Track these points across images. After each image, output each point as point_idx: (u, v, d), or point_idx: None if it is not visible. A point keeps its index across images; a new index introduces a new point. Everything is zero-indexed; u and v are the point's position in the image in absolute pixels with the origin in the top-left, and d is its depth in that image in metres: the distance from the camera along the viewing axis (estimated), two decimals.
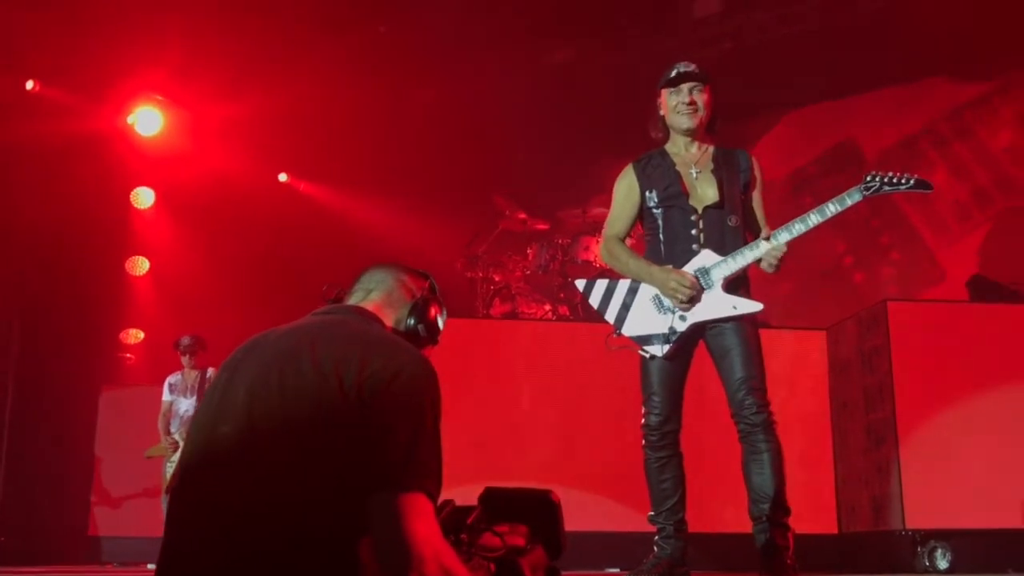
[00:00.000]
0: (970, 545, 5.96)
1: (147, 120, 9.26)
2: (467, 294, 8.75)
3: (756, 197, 4.20)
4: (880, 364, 6.42)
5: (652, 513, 4.08)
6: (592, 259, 8.34)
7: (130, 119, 9.21)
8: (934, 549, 5.90)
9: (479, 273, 8.83)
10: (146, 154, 9.42)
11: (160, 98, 9.31)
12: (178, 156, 9.44)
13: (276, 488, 1.88)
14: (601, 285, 4.22)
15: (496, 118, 9.65)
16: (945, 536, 5.94)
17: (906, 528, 6.00)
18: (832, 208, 3.92)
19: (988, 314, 6.68)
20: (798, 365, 6.90)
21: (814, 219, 3.93)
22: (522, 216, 9.09)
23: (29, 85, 8.59)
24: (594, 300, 4.23)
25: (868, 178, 3.94)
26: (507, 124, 9.61)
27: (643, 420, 4.07)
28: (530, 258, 8.83)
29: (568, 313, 8.49)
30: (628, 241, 4.29)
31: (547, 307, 8.61)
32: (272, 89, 8.97)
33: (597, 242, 8.42)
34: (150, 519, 7.63)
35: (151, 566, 7.49)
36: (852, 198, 3.93)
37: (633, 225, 4.27)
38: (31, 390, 8.47)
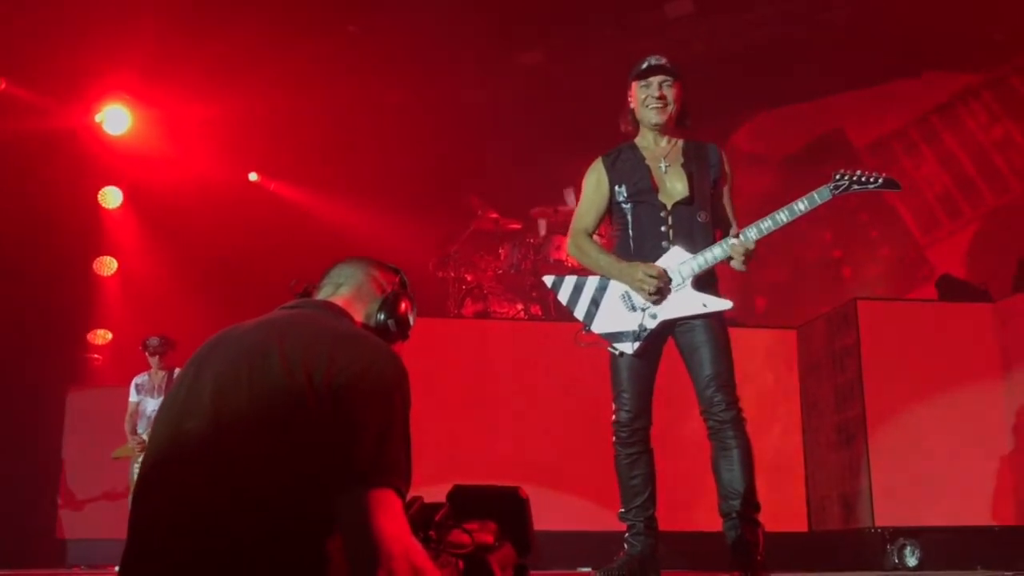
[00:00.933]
0: (939, 542, 6.02)
1: (115, 119, 9.15)
2: (439, 294, 8.73)
3: (726, 192, 4.19)
4: (850, 363, 6.46)
5: (622, 510, 4.07)
6: (564, 258, 8.35)
7: (98, 118, 9.11)
8: (903, 546, 5.95)
9: (451, 272, 8.82)
10: (114, 153, 9.32)
11: (128, 97, 9.21)
12: (147, 155, 9.35)
13: (243, 484, 1.86)
14: (570, 282, 4.22)
15: (468, 118, 9.64)
16: (914, 533, 5.99)
17: (875, 526, 6.05)
18: (801, 206, 3.92)
19: (957, 313, 6.75)
20: (769, 364, 6.93)
21: (783, 217, 3.93)
22: (494, 216, 9.08)
23: None
24: (563, 296, 4.22)
25: (837, 176, 3.94)
26: (479, 124, 9.60)
27: (613, 417, 4.06)
28: (502, 258, 8.82)
29: (540, 313, 8.49)
30: (597, 239, 4.28)
31: (519, 306, 8.60)
32: (242, 88, 8.90)
33: None
34: (118, 521, 7.52)
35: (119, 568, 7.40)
36: (821, 196, 3.92)
37: (602, 219, 4.24)
38: None
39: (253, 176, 10.44)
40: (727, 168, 4.20)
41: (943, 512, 6.11)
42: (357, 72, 9.06)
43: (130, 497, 7.11)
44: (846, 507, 6.40)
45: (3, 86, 8.52)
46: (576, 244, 4.22)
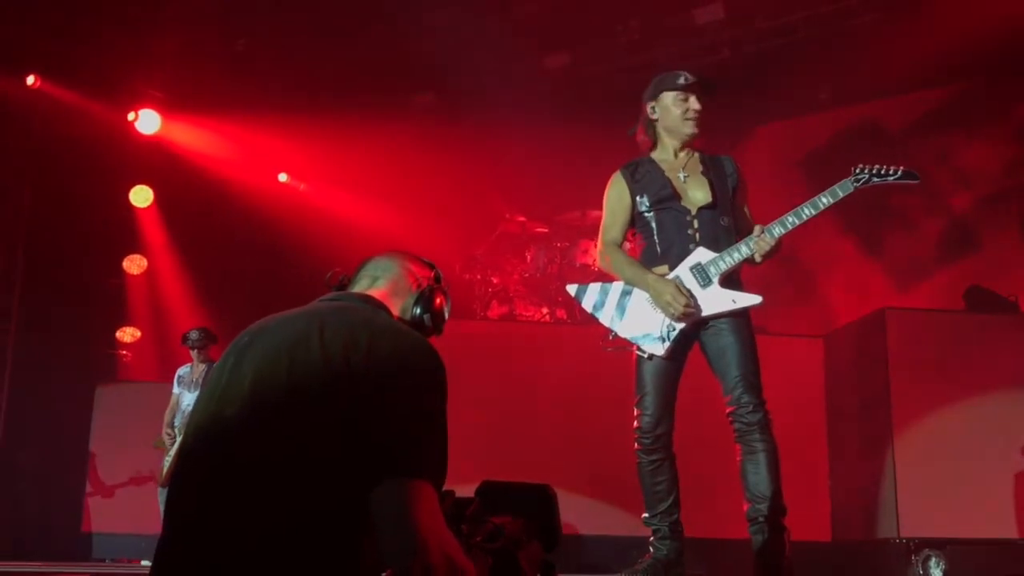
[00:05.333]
0: (965, 554, 5.96)
1: (148, 118, 9.23)
2: (465, 296, 8.74)
3: (743, 199, 4.25)
4: (877, 372, 6.42)
5: (647, 515, 4.07)
6: (590, 262, 8.35)
7: (130, 116, 9.19)
8: (928, 558, 5.90)
9: (477, 275, 8.83)
10: (146, 152, 9.39)
11: (161, 96, 9.30)
12: (178, 154, 9.42)
13: (280, 473, 1.87)
14: (594, 289, 4.23)
15: (494, 120, 9.65)
16: (939, 545, 5.94)
17: (900, 536, 6.00)
18: (824, 200, 3.97)
19: (985, 324, 6.70)
20: (794, 372, 6.89)
21: (807, 212, 3.96)
22: (521, 219, 9.09)
23: (30, 80, 8.58)
24: (587, 304, 4.23)
25: (857, 170, 3.99)
26: (505, 126, 9.61)
27: (635, 423, 4.06)
28: (528, 261, 8.83)
29: (565, 317, 8.49)
30: (625, 245, 4.30)
31: (544, 310, 8.60)
32: (272, 89, 8.97)
33: (595, 245, 8.42)
34: (143, 516, 7.61)
35: (145, 563, 7.46)
36: (844, 190, 3.98)
37: (627, 230, 4.27)
38: (27, 386, 8.45)
39: (283, 177, 10.50)
40: (743, 178, 4.24)
41: (969, 524, 6.06)
42: (386, 74, 9.10)
43: (159, 490, 7.20)
44: (870, 517, 6.36)
45: (37, 83, 8.62)
46: (605, 256, 4.25)
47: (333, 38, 8.70)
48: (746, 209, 4.25)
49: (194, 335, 7.47)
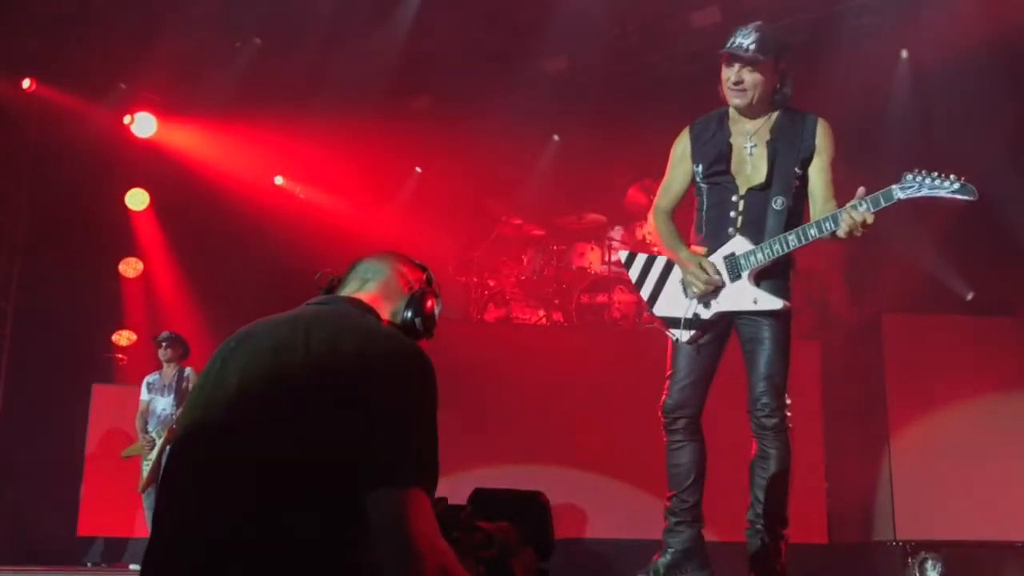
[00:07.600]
0: (961, 556, 5.97)
1: (144, 121, 9.23)
2: (461, 299, 8.72)
3: (819, 166, 3.84)
4: (873, 375, 6.42)
5: (668, 495, 3.94)
6: (587, 265, 8.35)
7: (126, 120, 9.18)
8: (924, 560, 5.90)
9: (473, 278, 8.82)
10: (142, 155, 9.38)
11: (157, 99, 9.29)
12: (174, 157, 9.41)
13: (267, 479, 1.85)
14: (641, 259, 4.10)
15: (493, 124, 9.65)
16: (936, 547, 5.94)
17: (896, 539, 6.00)
18: (863, 207, 3.55)
19: (981, 327, 6.70)
20: (792, 374, 6.86)
21: (844, 218, 3.57)
22: (517, 221, 9.08)
23: (26, 84, 8.57)
24: (633, 274, 4.10)
25: (908, 177, 3.55)
26: (504, 130, 9.61)
27: (661, 400, 3.94)
28: (525, 264, 8.82)
29: (562, 319, 8.48)
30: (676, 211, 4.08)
31: (541, 313, 8.60)
32: (268, 92, 8.95)
33: (592, 248, 8.43)
34: (139, 520, 7.60)
35: (133, 566, 7.45)
36: (887, 199, 3.55)
37: (684, 193, 4.05)
38: (23, 389, 8.43)
39: (279, 180, 10.48)
40: (821, 142, 3.84)
41: (966, 526, 6.06)
42: (383, 77, 9.08)
43: (143, 494, 7.20)
44: (867, 519, 6.36)
45: (33, 87, 8.61)
46: (651, 220, 4.08)
47: (329, 42, 8.69)
48: (820, 176, 3.82)
49: (164, 334, 7.62)
